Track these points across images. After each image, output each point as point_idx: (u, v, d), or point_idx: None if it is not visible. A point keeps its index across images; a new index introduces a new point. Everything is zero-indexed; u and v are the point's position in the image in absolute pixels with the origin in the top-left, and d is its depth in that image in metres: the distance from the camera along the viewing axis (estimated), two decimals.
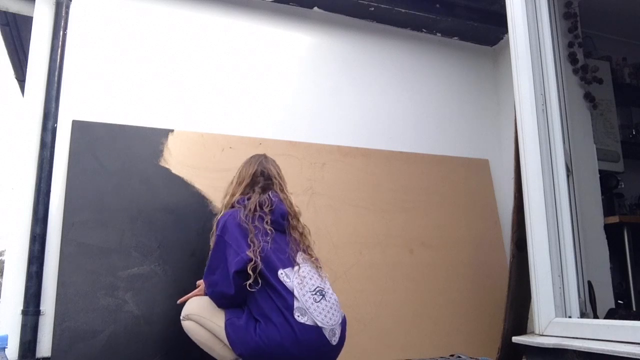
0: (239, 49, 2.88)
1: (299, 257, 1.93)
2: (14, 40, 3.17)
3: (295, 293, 1.80)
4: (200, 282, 2.07)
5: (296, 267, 1.88)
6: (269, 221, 1.92)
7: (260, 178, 2.11)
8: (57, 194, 2.32)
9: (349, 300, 2.53)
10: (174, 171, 2.50)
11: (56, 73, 2.40)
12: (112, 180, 2.37)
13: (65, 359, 2.08)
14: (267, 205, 1.96)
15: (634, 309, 2.81)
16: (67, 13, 2.49)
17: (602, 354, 1.58)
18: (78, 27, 2.55)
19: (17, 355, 2.12)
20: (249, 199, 2.00)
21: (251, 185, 2.09)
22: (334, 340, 1.82)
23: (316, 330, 1.77)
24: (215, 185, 2.53)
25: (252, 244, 1.83)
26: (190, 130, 2.63)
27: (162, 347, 2.23)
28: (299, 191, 2.68)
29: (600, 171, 2.78)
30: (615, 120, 3.22)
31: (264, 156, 2.23)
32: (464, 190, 3.13)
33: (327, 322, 1.80)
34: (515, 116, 2.22)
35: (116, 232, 2.31)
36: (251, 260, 1.79)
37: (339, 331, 1.85)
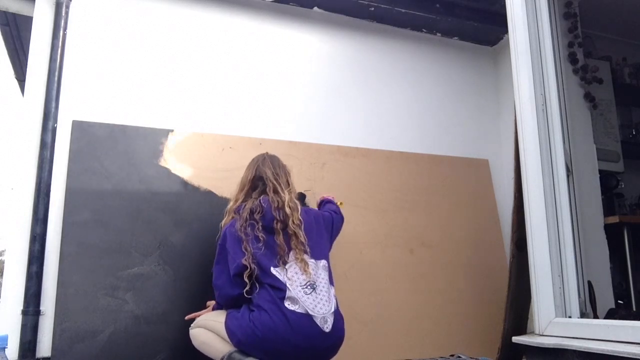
0: (239, 49, 2.88)
1: (291, 257, 2.02)
2: (14, 40, 3.16)
3: (288, 285, 1.92)
4: (210, 303, 2.19)
5: (287, 265, 1.99)
6: (260, 227, 2.03)
7: (259, 182, 2.23)
8: (57, 194, 2.32)
9: (349, 300, 2.53)
10: (174, 171, 2.50)
11: (56, 73, 2.40)
12: (112, 180, 2.37)
13: (65, 359, 2.08)
14: (258, 212, 2.07)
15: (634, 309, 2.81)
16: (67, 13, 2.48)
17: (602, 354, 1.58)
18: (78, 27, 2.54)
19: (17, 355, 2.12)
20: (244, 207, 2.12)
21: (252, 189, 2.22)
22: (327, 328, 1.89)
23: (307, 317, 1.88)
24: (215, 185, 2.53)
25: (245, 252, 1.97)
26: (190, 130, 2.62)
27: (162, 347, 2.23)
28: (299, 191, 2.68)
29: (600, 171, 2.78)
30: (615, 120, 3.22)
31: (263, 157, 2.31)
32: (464, 190, 3.13)
33: (318, 311, 1.90)
34: (515, 116, 2.22)
35: (116, 232, 2.30)
36: (246, 267, 1.93)
37: (332, 319, 1.92)
